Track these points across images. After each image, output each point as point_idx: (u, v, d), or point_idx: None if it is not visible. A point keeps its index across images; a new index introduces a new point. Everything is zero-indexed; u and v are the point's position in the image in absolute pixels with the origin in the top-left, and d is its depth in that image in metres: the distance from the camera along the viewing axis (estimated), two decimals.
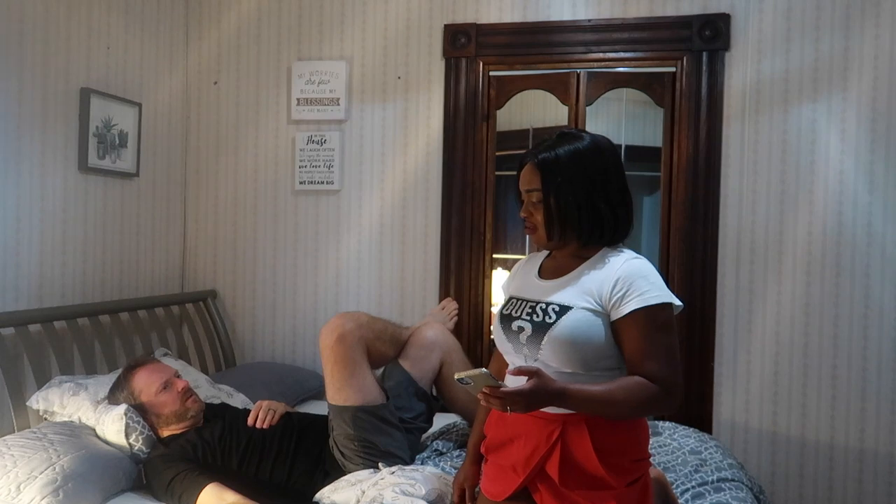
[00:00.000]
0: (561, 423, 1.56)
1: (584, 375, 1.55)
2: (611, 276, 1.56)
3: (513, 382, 1.52)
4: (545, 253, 1.77)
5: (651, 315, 1.52)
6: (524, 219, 1.68)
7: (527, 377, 1.44)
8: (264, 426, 2.25)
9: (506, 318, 1.68)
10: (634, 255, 1.63)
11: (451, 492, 1.90)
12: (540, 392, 1.43)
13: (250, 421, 2.26)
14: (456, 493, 1.87)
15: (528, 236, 1.74)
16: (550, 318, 1.57)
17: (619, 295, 1.54)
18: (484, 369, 1.43)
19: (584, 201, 1.59)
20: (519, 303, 1.68)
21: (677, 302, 1.57)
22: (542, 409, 1.52)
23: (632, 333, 1.53)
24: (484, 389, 1.42)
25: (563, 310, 1.56)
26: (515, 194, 1.72)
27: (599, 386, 1.49)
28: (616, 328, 1.55)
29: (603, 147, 1.64)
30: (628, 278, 1.55)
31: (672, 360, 1.53)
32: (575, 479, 1.55)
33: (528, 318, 1.61)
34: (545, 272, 1.71)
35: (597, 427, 1.54)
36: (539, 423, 1.58)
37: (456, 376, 1.42)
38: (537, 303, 1.63)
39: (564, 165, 1.60)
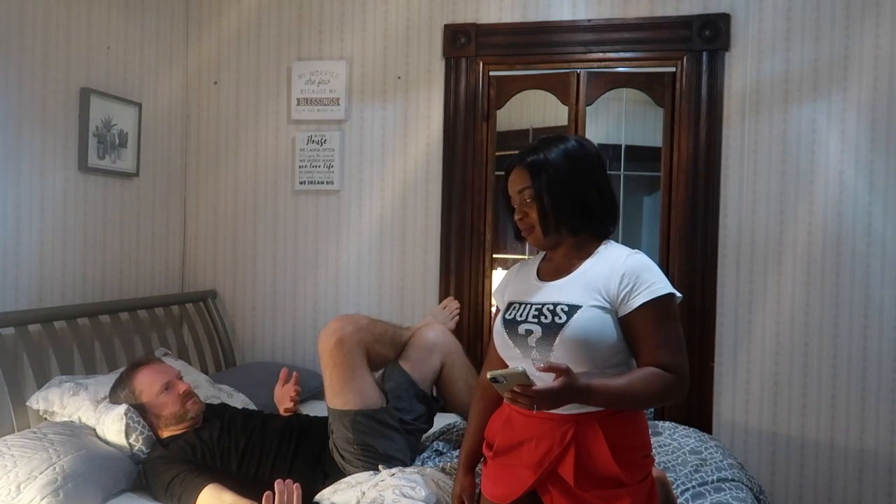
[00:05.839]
0: (574, 424, 1.56)
1: (597, 374, 1.55)
2: (616, 271, 1.59)
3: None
4: (538, 258, 1.78)
5: (660, 306, 1.55)
6: (519, 220, 1.69)
7: (555, 374, 1.45)
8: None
9: (510, 323, 1.66)
10: (633, 250, 1.65)
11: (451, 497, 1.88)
12: (568, 390, 1.45)
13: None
14: None
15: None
16: (560, 318, 1.57)
17: (627, 289, 1.56)
18: (521, 367, 1.45)
19: (574, 194, 1.63)
20: (522, 306, 1.67)
21: (678, 293, 1.61)
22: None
23: (643, 326, 1.55)
24: (515, 388, 1.43)
25: (573, 309, 1.57)
26: (504, 201, 1.74)
27: (620, 380, 1.52)
28: (625, 322, 1.57)
29: (587, 146, 1.70)
30: (634, 272, 1.57)
31: (681, 348, 1.57)
32: (590, 479, 1.55)
33: (536, 320, 1.60)
34: (544, 274, 1.71)
35: (609, 425, 1.56)
36: (551, 425, 1.58)
37: (489, 375, 1.43)
38: (543, 304, 1.62)
39: (553, 162, 1.63)
